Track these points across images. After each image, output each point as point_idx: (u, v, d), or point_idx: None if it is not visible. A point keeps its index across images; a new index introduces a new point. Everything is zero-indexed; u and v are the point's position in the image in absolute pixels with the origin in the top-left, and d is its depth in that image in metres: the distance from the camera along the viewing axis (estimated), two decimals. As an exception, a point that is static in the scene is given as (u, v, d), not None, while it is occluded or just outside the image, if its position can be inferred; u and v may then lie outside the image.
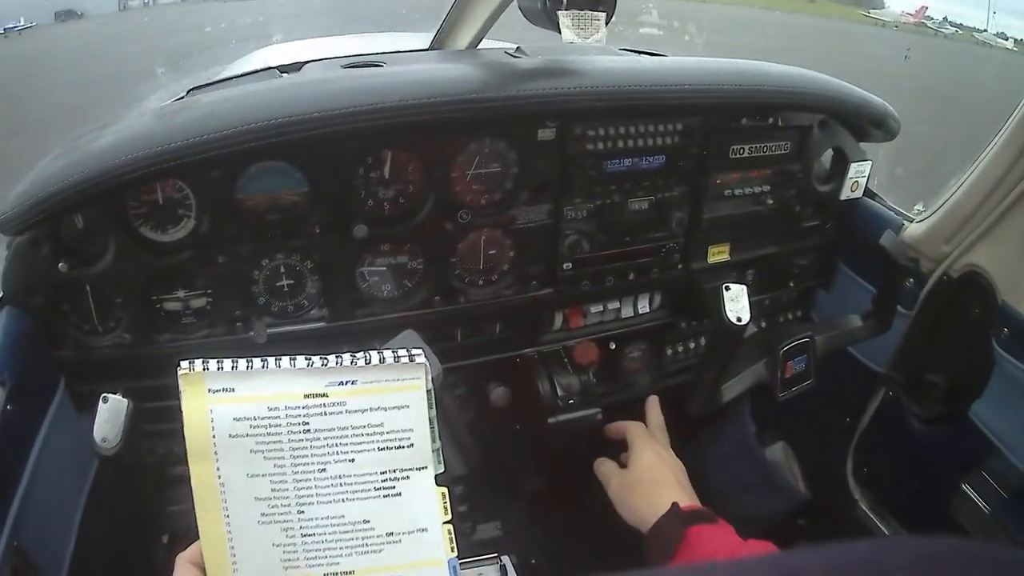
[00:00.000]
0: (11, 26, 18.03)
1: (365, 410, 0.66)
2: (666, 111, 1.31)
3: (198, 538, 0.67)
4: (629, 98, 1.24)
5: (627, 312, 1.50)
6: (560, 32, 1.15)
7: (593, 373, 1.46)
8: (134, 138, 1.02)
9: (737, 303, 1.16)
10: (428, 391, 0.66)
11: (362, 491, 0.66)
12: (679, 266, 1.49)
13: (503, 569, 1.48)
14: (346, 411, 0.65)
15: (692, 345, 1.62)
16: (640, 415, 1.39)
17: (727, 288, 1.16)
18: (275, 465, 0.64)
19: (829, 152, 1.58)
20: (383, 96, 1.07)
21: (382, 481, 0.66)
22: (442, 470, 0.67)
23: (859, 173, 1.57)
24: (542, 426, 1.34)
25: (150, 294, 1.13)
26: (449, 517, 0.66)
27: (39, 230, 1.02)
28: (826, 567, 0.32)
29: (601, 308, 1.46)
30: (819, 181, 1.59)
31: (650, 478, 1.18)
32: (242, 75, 1.63)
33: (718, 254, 1.52)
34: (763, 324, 1.69)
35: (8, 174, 1.09)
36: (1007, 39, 23.01)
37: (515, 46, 1.57)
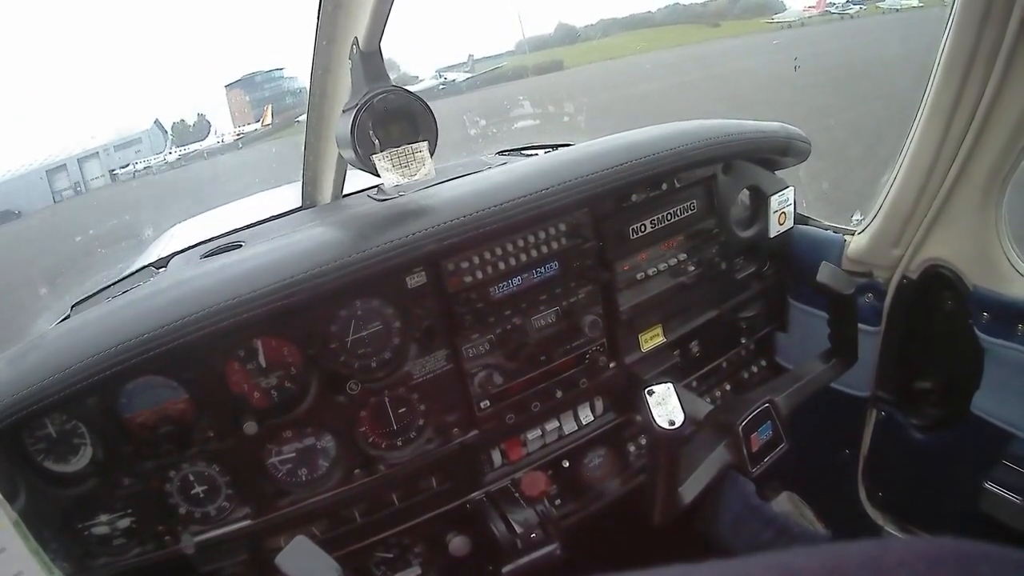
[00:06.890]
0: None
1: None
2: (541, 217, 1.22)
3: None
4: (492, 221, 1.14)
5: (570, 427, 1.38)
6: (380, 177, 1.07)
7: (550, 499, 1.33)
8: None
9: (665, 406, 1.02)
10: None
11: None
12: (611, 365, 1.38)
13: None
14: None
15: None
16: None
17: (650, 393, 1.03)
18: None
19: (746, 192, 1.48)
20: (235, 290, 1.03)
21: None
22: None
23: (783, 203, 1.48)
24: None
25: (74, 523, 1.07)
26: None
27: None
28: (826, 567, 0.32)
29: (539, 432, 1.35)
30: (741, 227, 1.49)
31: None
32: (121, 279, 1.58)
33: (652, 339, 1.42)
34: (718, 394, 1.57)
35: None
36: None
37: (376, 186, 1.47)
